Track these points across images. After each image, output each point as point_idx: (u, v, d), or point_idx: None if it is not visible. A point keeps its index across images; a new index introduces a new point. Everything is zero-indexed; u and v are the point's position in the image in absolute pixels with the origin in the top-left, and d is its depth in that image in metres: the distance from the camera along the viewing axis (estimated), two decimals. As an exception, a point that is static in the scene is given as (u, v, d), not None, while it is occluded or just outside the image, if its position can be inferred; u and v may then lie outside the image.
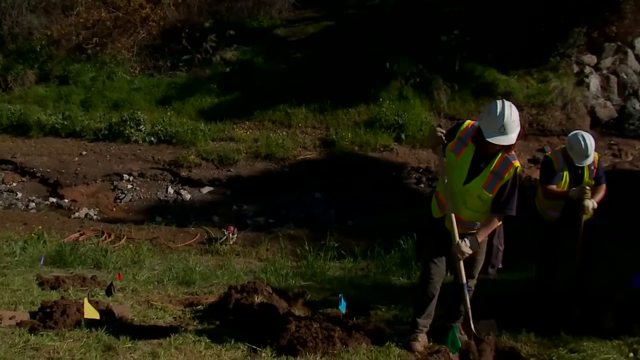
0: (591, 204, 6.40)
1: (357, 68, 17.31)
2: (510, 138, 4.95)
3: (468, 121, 5.31)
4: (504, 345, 5.39)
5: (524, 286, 7.41)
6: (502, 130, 4.91)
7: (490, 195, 5.13)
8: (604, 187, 6.70)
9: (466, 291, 5.21)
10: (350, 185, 14.34)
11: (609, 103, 18.20)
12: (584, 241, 6.60)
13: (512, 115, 4.93)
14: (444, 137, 5.21)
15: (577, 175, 6.60)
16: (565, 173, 6.60)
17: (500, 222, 5.36)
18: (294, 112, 16.59)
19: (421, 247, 5.65)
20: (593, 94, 18.14)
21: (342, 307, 5.66)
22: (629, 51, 19.12)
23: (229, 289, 6.53)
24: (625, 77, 18.70)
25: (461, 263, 5.15)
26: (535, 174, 14.82)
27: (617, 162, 16.08)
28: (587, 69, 18.60)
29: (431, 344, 5.47)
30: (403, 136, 15.86)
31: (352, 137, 15.80)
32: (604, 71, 18.89)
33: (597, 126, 17.58)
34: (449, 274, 5.67)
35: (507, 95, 16.96)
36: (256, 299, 6.27)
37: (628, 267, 7.78)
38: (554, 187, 6.60)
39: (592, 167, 6.61)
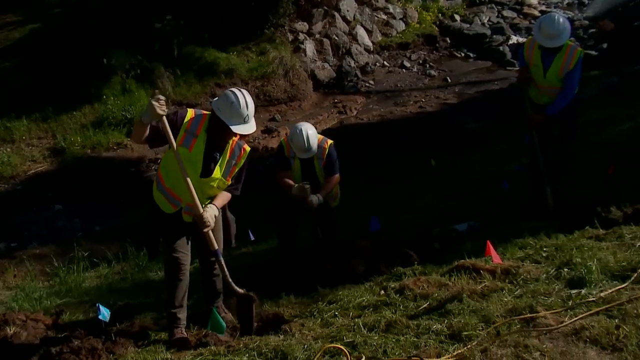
0: (316, 199, 6.58)
1: (74, 68, 16.58)
2: (253, 125, 5.15)
3: (190, 111, 5.29)
4: (268, 312, 5.53)
5: (277, 254, 7.68)
6: (247, 120, 5.07)
7: (227, 182, 5.29)
8: (334, 178, 6.85)
9: (220, 256, 5.27)
10: (90, 190, 13.84)
11: (326, 65, 19.37)
12: (320, 217, 6.87)
13: (252, 102, 5.12)
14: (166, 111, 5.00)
15: (307, 165, 6.77)
16: (297, 161, 6.76)
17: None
18: (15, 126, 15.54)
19: (155, 244, 5.67)
20: (310, 58, 19.17)
21: (103, 316, 5.51)
22: (336, 14, 20.50)
23: (-23, 328, 6.07)
24: (336, 38, 20.01)
25: (210, 232, 5.18)
26: (271, 143, 15.40)
27: (343, 118, 17.12)
28: (301, 36, 19.61)
29: (197, 330, 5.53)
30: (134, 130, 15.53)
31: (82, 141, 15.25)
32: (317, 36, 20.07)
33: (320, 88, 18.67)
34: (197, 261, 5.77)
35: (230, 72, 17.38)
36: (9, 330, 5.87)
37: (366, 214, 8.39)
38: (287, 178, 6.69)
39: (322, 158, 6.76)
